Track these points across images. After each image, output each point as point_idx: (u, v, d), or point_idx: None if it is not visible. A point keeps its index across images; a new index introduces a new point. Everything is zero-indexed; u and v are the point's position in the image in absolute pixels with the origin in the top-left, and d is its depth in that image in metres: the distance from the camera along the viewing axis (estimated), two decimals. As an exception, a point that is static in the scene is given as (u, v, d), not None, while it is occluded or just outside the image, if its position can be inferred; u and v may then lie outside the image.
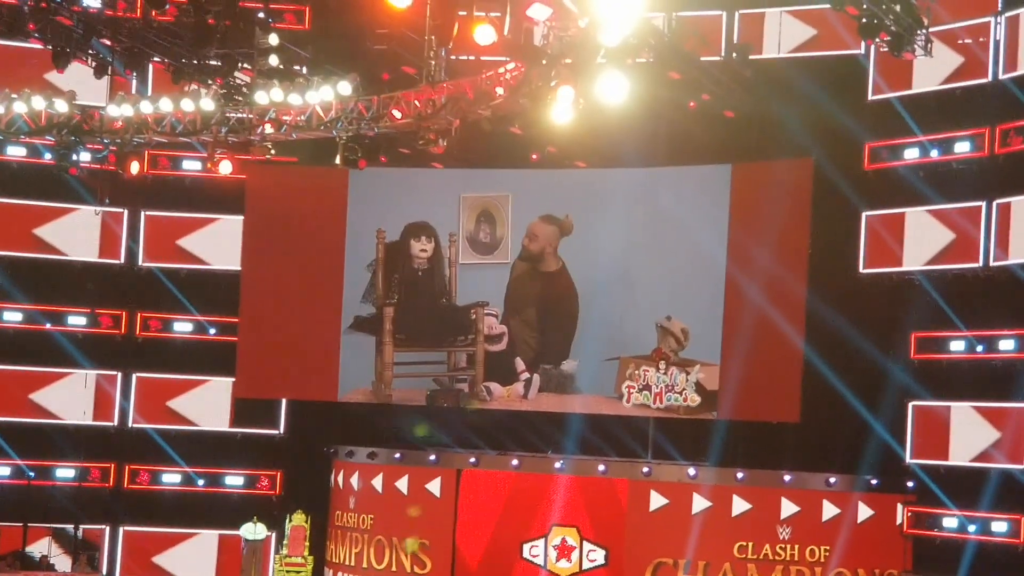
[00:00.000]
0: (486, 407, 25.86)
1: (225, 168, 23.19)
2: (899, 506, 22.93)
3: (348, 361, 26.53)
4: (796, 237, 23.40)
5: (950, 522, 22.40)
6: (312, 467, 26.74)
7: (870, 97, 23.73)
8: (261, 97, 21.27)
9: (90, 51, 20.83)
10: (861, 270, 23.69)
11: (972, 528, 22.02)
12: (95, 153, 23.51)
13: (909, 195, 23.16)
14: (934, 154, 22.90)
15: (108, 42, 20.80)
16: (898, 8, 19.84)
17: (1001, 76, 22.24)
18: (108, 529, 26.90)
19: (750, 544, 23.08)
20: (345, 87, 21.07)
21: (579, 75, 18.68)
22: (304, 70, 22.16)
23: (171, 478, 26.92)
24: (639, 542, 23.58)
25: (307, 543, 25.97)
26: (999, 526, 21.77)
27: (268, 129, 22.09)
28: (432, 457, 25.20)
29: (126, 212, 26.92)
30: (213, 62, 21.05)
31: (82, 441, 26.76)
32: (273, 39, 21.21)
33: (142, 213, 26.99)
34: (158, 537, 26.98)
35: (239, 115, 22.19)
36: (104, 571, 26.62)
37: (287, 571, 25.78)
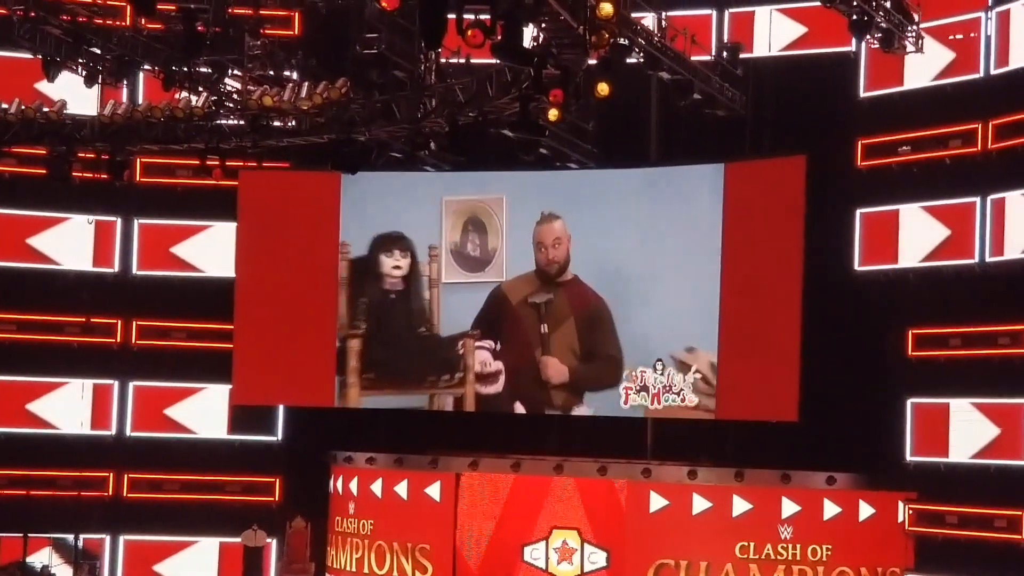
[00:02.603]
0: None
1: (217, 175, 23.19)
2: (900, 504, 22.84)
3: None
4: (790, 235, 23.31)
5: (951, 519, 22.30)
6: (311, 473, 26.73)
7: (862, 94, 23.74)
8: (251, 103, 21.25)
9: (80, 60, 20.81)
10: (856, 267, 23.68)
11: (973, 525, 21.94)
12: (87, 162, 23.43)
13: (903, 192, 23.16)
14: (927, 150, 22.87)
15: (98, 51, 20.75)
16: (888, 4, 19.91)
17: (992, 71, 22.23)
18: (108, 538, 26.91)
19: (751, 544, 23.03)
20: (335, 92, 21.05)
21: (569, 76, 18.67)
22: (294, 75, 22.13)
23: (170, 486, 26.90)
24: (640, 543, 23.54)
25: (308, 549, 25.99)
26: (1000, 523, 21.69)
27: (259, 135, 22.06)
28: (431, 461, 25.16)
29: (119, 221, 26.99)
30: (203, 69, 21.05)
31: (80, 450, 26.73)
32: (263, 45, 21.25)
33: (135, 221, 27.02)
34: (158, 546, 26.99)
35: (230, 121, 22.18)
36: (105, 580, 26.70)
37: (288, 578, 25.88)
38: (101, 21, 20.51)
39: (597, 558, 23.90)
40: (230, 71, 21.09)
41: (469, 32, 16.55)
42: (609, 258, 25.16)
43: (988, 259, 22.22)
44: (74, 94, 22.39)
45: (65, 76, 20.94)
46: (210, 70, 20.95)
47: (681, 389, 24.48)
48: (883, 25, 20.24)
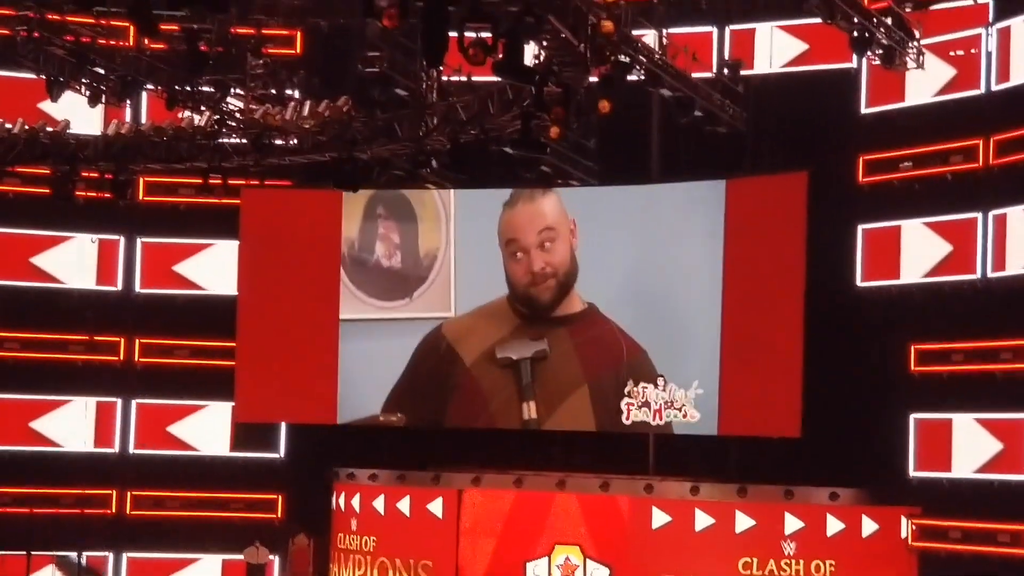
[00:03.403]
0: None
1: (219, 193, 23.26)
2: (903, 519, 22.82)
3: (347, 384, 26.36)
4: (792, 251, 23.30)
5: (955, 534, 22.29)
6: (313, 490, 26.73)
7: (863, 110, 23.76)
8: (254, 122, 21.32)
9: (83, 80, 20.90)
10: (858, 283, 23.69)
11: (977, 540, 21.93)
12: (90, 181, 23.50)
13: (904, 207, 23.17)
14: (928, 166, 22.90)
15: (101, 71, 20.84)
16: (889, 21, 20.00)
17: (993, 87, 22.26)
18: (112, 556, 26.94)
19: (755, 560, 23.01)
20: (337, 110, 21.13)
21: (571, 94, 18.72)
22: (296, 94, 22.20)
23: (173, 504, 26.93)
24: (643, 560, 23.53)
25: (311, 566, 26.00)
26: (1004, 537, 21.68)
27: (261, 153, 22.12)
28: (433, 477, 25.18)
29: (122, 239, 27.06)
30: (206, 88, 21.13)
31: (83, 468, 26.78)
32: (265, 64, 21.33)
33: (138, 240, 27.11)
34: (161, 563, 27.01)
35: (232, 140, 22.26)
36: (109, 598, 26.73)
37: (292, 595, 25.90)
38: (105, 41, 20.60)
39: (600, 574, 23.88)
40: (232, 90, 21.18)
41: (471, 50, 16.59)
42: (607, 274, 24.62)
43: (990, 275, 22.23)
44: (78, 114, 22.54)
45: (68, 96, 21.12)
46: (213, 89, 21.05)
47: (683, 405, 24.44)
48: (884, 42, 20.34)
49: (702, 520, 23.33)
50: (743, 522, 23.15)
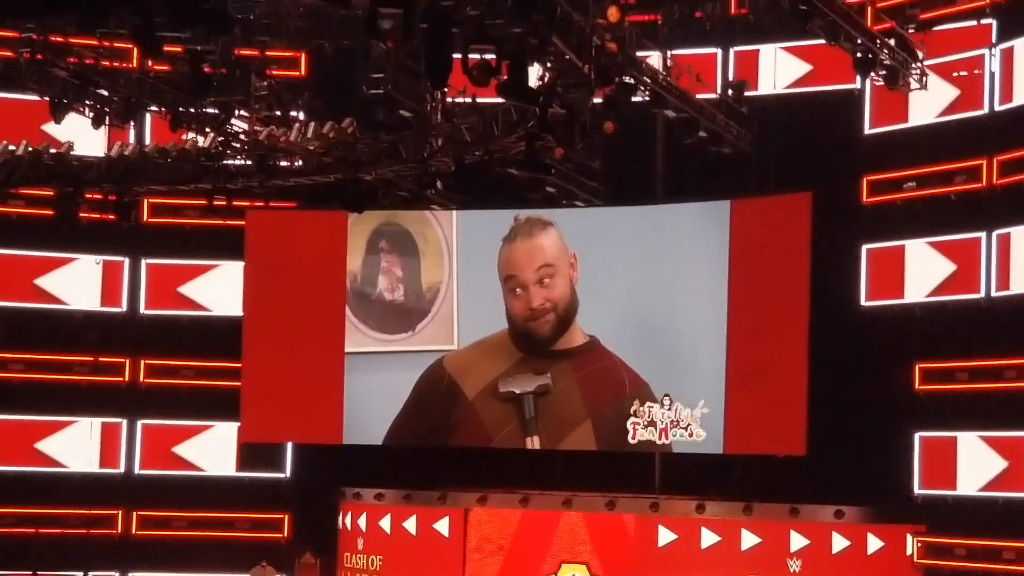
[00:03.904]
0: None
1: (224, 215, 23.28)
2: (908, 537, 22.83)
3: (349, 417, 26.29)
4: (797, 271, 23.34)
5: (960, 552, 22.29)
6: (320, 509, 26.74)
7: (867, 131, 23.80)
8: (258, 143, 21.34)
9: (87, 102, 20.92)
10: (863, 303, 23.72)
11: (982, 557, 21.94)
12: (94, 203, 23.52)
13: (908, 227, 23.22)
14: (932, 186, 22.93)
15: (105, 92, 20.86)
16: (892, 42, 20.05)
17: (997, 107, 22.30)
18: (117, 576, 26.98)
19: (761, 578, 23.06)
20: (342, 132, 21.15)
21: (575, 115, 18.74)
22: (301, 115, 22.22)
23: (179, 524, 26.91)
24: (649, 578, 23.58)
25: (317, 587, 26.06)
26: (1009, 555, 21.70)
27: (266, 175, 22.14)
28: (439, 496, 25.18)
29: (127, 261, 27.08)
30: (210, 110, 21.15)
31: (89, 489, 26.78)
32: (269, 86, 21.35)
33: (143, 261, 27.13)
34: (168, 583, 27.02)
35: (237, 161, 22.27)
36: (115, 618, 26.73)
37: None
38: (108, 63, 20.60)
39: (606, 593, 23.92)
40: (237, 112, 21.17)
41: (475, 72, 16.62)
42: (612, 296, 24.70)
43: (994, 294, 22.27)
44: (81, 135, 22.49)
45: (72, 118, 21.09)
46: (217, 111, 21.05)
47: (688, 424, 24.44)
48: (887, 63, 20.40)
49: (708, 538, 23.36)
50: (749, 540, 23.18)
